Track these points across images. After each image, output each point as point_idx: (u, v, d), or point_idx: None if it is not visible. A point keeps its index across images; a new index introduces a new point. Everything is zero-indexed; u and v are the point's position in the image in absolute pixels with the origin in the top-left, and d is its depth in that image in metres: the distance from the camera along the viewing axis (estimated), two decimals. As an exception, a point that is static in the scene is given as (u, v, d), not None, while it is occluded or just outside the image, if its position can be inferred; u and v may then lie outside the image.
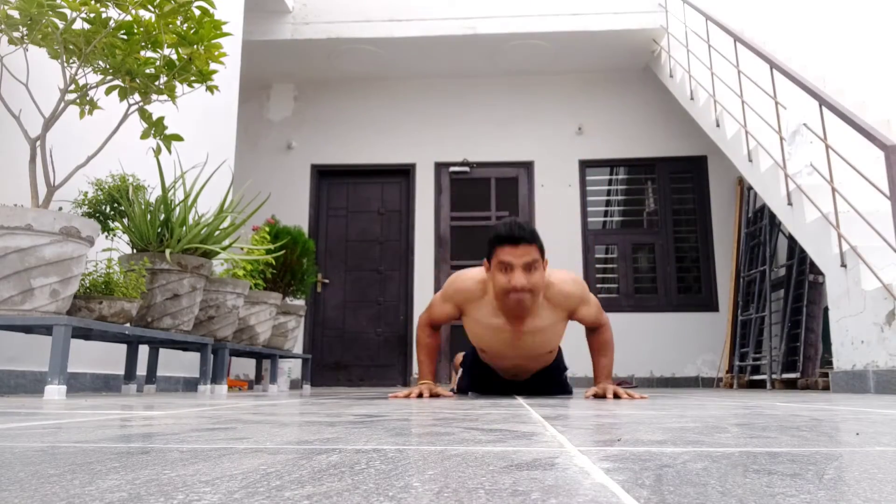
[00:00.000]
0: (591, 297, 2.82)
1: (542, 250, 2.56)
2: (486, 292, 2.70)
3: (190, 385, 4.10)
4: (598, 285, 6.62)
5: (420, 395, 2.56)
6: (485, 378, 3.08)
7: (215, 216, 3.17)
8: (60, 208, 2.54)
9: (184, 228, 2.98)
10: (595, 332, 2.86)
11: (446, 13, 6.27)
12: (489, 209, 6.85)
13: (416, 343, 2.95)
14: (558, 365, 3.05)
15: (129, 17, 2.39)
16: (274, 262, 4.23)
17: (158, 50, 2.50)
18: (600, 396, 2.55)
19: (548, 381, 3.03)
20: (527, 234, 2.52)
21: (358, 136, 7.03)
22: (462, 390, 3.21)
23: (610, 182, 6.98)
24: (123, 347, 3.36)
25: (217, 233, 3.14)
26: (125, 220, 2.95)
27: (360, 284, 6.77)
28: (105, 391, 3.33)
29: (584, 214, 6.76)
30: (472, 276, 2.78)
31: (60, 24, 2.32)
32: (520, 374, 2.99)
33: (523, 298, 2.54)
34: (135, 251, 2.96)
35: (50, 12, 2.27)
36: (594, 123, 6.93)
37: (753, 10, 6.31)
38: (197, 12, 2.47)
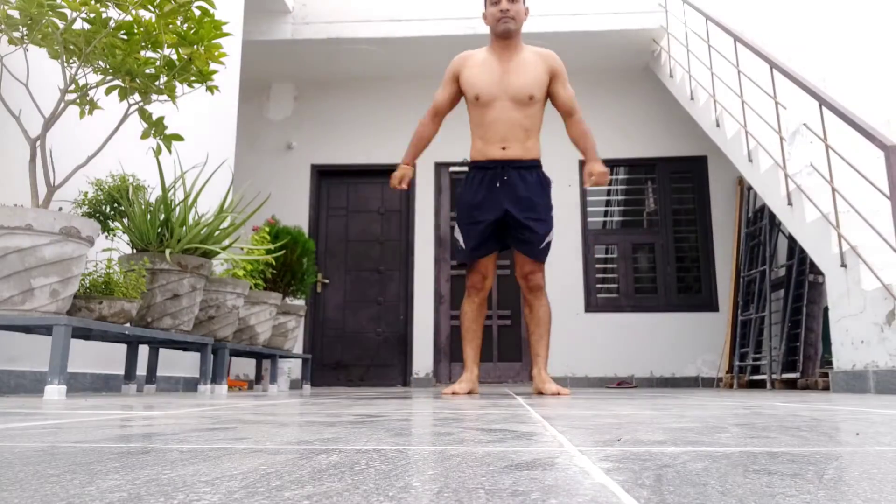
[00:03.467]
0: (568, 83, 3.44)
1: None
2: (480, 53, 3.41)
3: (190, 385, 4.10)
4: (598, 285, 6.62)
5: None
6: (477, 206, 3.31)
7: (215, 216, 3.17)
8: (60, 208, 2.54)
9: (184, 228, 2.98)
10: (573, 118, 3.43)
11: (446, 13, 6.27)
12: (489, 209, 6.85)
13: (414, 133, 3.54)
14: (542, 179, 3.40)
15: (129, 18, 2.39)
16: (274, 262, 4.23)
17: (158, 50, 2.50)
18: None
19: (535, 195, 3.31)
20: None
21: (358, 136, 7.03)
22: (466, 257, 3.38)
23: (610, 182, 6.97)
24: (123, 347, 3.36)
25: (217, 233, 3.14)
26: (125, 220, 2.95)
27: (360, 284, 6.77)
28: (105, 391, 3.32)
29: (584, 214, 6.76)
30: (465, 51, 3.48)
31: (60, 24, 2.32)
32: (508, 140, 3.31)
33: (509, 24, 3.28)
34: (135, 251, 2.96)
35: (50, 12, 2.27)
36: (594, 123, 6.84)
37: (753, 10, 6.31)
38: (197, 12, 2.47)
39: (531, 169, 3.38)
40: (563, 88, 3.40)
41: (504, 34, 3.32)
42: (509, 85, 3.30)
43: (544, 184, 3.42)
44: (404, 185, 3.45)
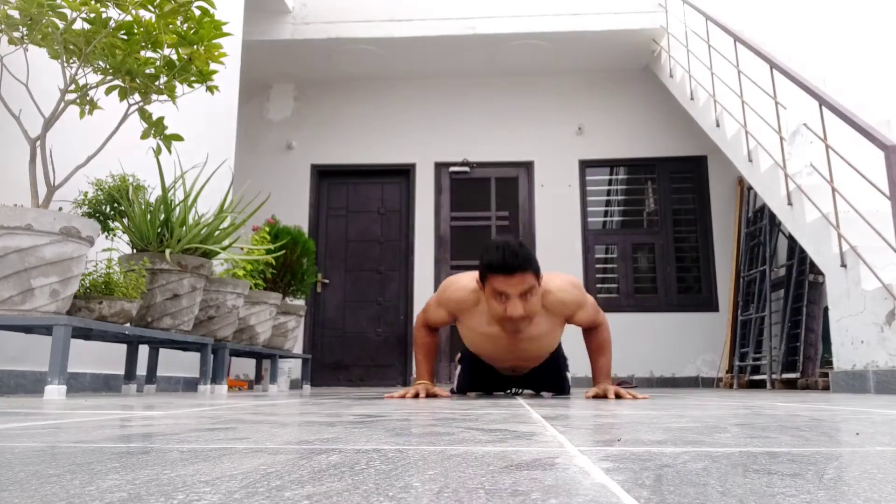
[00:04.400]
0: (588, 299, 2.79)
1: (537, 274, 2.48)
2: (480, 301, 2.64)
3: (190, 385, 4.10)
4: (598, 285, 6.62)
5: (416, 396, 2.54)
6: (483, 375, 3.07)
7: (215, 216, 3.17)
8: (60, 208, 2.54)
9: (184, 228, 2.98)
10: (592, 332, 2.83)
11: (446, 13, 6.27)
12: (489, 209, 6.85)
13: (414, 343, 2.93)
14: (557, 358, 3.02)
15: (129, 18, 2.39)
16: (274, 262, 4.22)
17: (158, 50, 2.50)
18: (601, 397, 2.54)
19: (547, 374, 3.02)
20: (521, 261, 2.40)
21: (358, 136, 7.03)
22: (461, 389, 3.20)
23: (610, 182, 6.98)
24: (123, 347, 3.36)
25: (217, 233, 3.14)
26: (125, 220, 2.95)
27: (360, 284, 6.77)
28: (105, 391, 3.32)
29: (584, 214, 6.76)
30: (465, 284, 2.71)
31: (60, 24, 2.32)
32: (518, 371, 2.99)
33: (519, 326, 2.53)
34: (135, 251, 2.96)
35: (50, 12, 2.27)
36: (594, 123, 6.93)
37: (753, 10, 6.31)
38: (197, 12, 2.47)
39: (546, 363, 2.97)
40: (583, 315, 2.76)
41: (513, 332, 2.62)
42: (520, 351, 2.77)
43: (560, 364, 3.05)
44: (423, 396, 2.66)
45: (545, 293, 2.63)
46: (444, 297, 2.78)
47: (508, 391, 3.29)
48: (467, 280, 2.72)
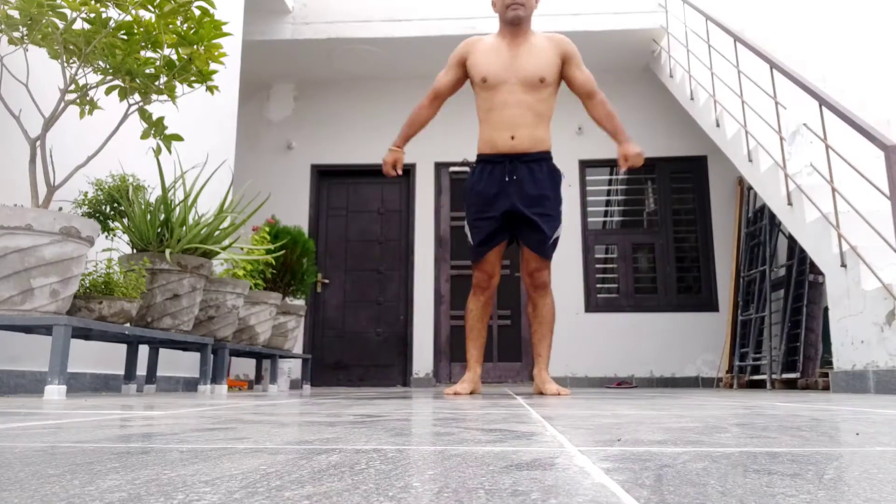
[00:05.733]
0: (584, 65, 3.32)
1: None
2: (486, 38, 3.32)
3: (190, 385, 4.10)
4: (598, 285, 6.62)
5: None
6: (484, 200, 3.24)
7: (215, 216, 3.17)
8: (60, 208, 2.54)
9: (184, 228, 2.98)
10: (594, 99, 3.35)
11: (446, 13, 6.27)
12: (489, 209, 6.85)
13: (409, 115, 3.45)
14: (554, 168, 3.36)
15: (129, 18, 2.39)
16: (274, 262, 4.23)
17: (158, 50, 2.50)
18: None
19: (543, 187, 3.23)
20: None
21: (358, 136, 7.03)
22: (474, 252, 3.32)
23: (610, 182, 6.97)
24: (123, 347, 3.36)
25: (217, 233, 3.14)
26: (125, 220, 2.95)
27: (360, 284, 6.77)
28: (105, 391, 3.32)
29: (584, 214, 6.75)
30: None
31: (60, 24, 2.32)
32: (518, 126, 3.21)
33: (518, 11, 3.16)
34: (135, 251, 2.96)
35: (50, 12, 2.27)
36: (594, 123, 6.92)
37: (753, 10, 6.31)
38: (197, 12, 2.47)
39: (541, 161, 3.29)
40: (578, 70, 3.31)
41: (513, 21, 3.20)
42: (519, 68, 3.21)
43: (555, 177, 3.33)
44: (398, 170, 3.45)
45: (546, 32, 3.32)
46: (456, 49, 3.39)
47: (510, 238, 3.36)
48: None
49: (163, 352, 3.56)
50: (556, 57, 3.25)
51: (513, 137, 3.23)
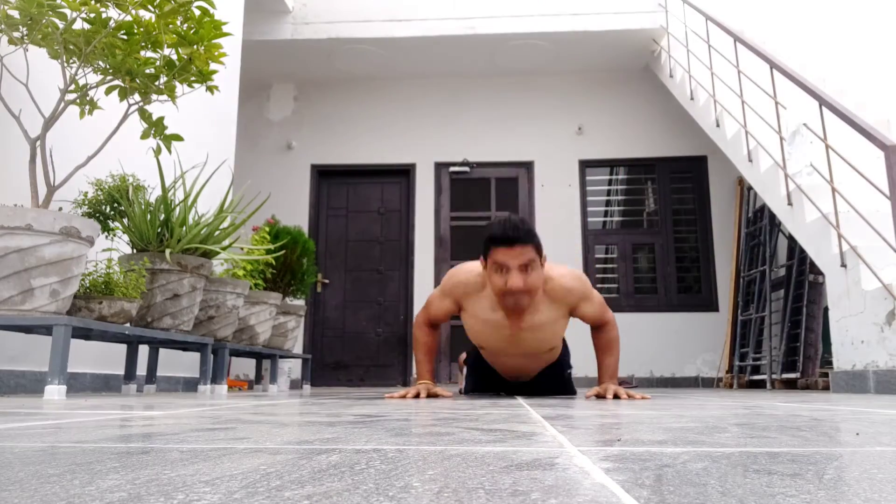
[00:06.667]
0: (595, 294, 2.78)
1: (539, 249, 2.50)
2: (486, 286, 2.64)
3: (190, 385, 4.10)
4: (599, 285, 6.62)
5: (417, 396, 2.53)
6: (489, 378, 3.07)
7: (215, 216, 3.17)
8: (60, 208, 2.54)
9: (184, 228, 2.97)
10: (599, 330, 2.80)
11: (446, 13, 6.27)
12: (489, 209, 6.85)
13: (414, 342, 2.91)
14: (562, 362, 3.02)
15: (129, 18, 2.39)
16: (274, 262, 4.22)
17: (158, 50, 2.50)
18: (601, 396, 2.53)
19: (551, 380, 3.01)
20: (522, 233, 2.44)
21: (358, 136, 7.03)
22: (467, 392, 3.21)
23: (610, 182, 6.98)
24: (123, 347, 3.36)
25: (217, 233, 3.14)
26: (125, 220, 2.95)
27: (360, 284, 6.77)
28: (105, 391, 3.32)
29: (584, 214, 6.76)
30: (471, 268, 2.73)
31: (60, 24, 2.32)
32: (522, 375, 2.97)
33: (520, 300, 2.51)
34: (135, 251, 2.96)
35: (50, 12, 2.27)
36: (594, 123, 6.93)
37: (753, 10, 6.31)
38: (197, 12, 2.47)
39: (550, 368, 2.98)
40: (588, 308, 2.75)
41: (514, 309, 2.58)
42: (522, 342, 2.73)
43: (564, 367, 3.05)
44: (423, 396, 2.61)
45: (548, 279, 2.63)
46: (450, 283, 2.77)
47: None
48: (473, 265, 2.75)
49: (163, 352, 3.56)
50: (563, 317, 2.75)
51: (518, 377, 3.00)
